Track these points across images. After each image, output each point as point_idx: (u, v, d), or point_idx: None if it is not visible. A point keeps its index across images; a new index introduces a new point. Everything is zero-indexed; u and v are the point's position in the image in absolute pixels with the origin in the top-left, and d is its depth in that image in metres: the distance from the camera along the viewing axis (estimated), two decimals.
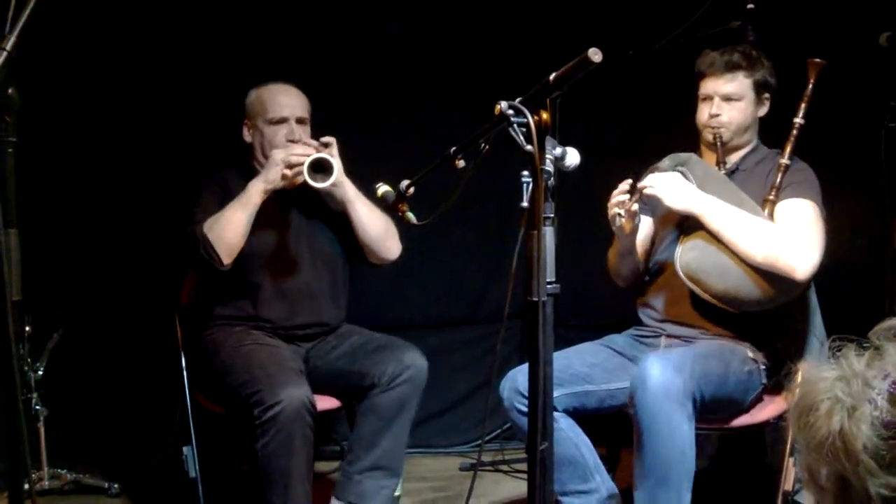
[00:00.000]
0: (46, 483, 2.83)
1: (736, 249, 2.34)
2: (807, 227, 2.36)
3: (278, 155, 2.52)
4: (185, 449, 2.58)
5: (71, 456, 2.97)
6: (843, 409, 0.86)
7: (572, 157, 1.76)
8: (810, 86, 2.46)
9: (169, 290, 2.84)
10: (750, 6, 2.52)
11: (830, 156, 3.12)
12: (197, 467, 2.58)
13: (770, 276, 2.33)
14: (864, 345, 0.90)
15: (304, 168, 2.49)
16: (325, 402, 2.58)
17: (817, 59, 2.45)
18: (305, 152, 2.52)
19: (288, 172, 2.52)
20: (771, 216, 2.41)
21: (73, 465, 2.92)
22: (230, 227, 2.50)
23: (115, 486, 2.92)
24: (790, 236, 2.33)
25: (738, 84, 2.47)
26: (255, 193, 2.52)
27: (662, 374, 2.18)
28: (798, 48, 2.65)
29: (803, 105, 2.44)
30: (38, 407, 2.78)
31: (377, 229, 2.66)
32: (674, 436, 2.18)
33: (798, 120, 2.45)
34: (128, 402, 3.11)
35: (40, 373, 2.80)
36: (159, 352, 2.87)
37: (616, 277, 2.69)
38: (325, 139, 2.60)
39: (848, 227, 3.08)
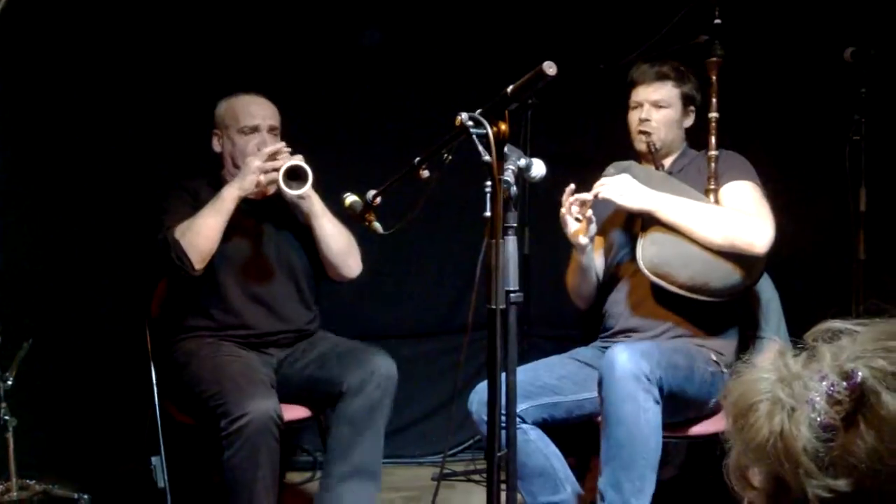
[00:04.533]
0: (15, 494, 2.79)
1: (695, 237, 2.40)
2: (754, 205, 2.44)
3: (254, 162, 2.52)
4: (153, 459, 2.57)
5: (40, 466, 2.93)
6: (783, 411, 0.85)
7: (538, 169, 1.79)
8: (713, 81, 2.54)
9: (139, 300, 2.83)
10: (717, 21, 2.57)
11: (797, 167, 3.18)
12: (166, 477, 2.57)
13: (731, 256, 2.39)
14: (799, 346, 0.90)
15: (280, 174, 2.49)
16: (296, 412, 2.58)
17: (714, 59, 2.54)
18: (281, 159, 2.52)
19: (262, 179, 2.52)
20: (716, 203, 2.48)
21: (42, 476, 2.88)
22: (203, 233, 2.49)
23: (85, 496, 2.88)
24: (742, 215, 2.41)
25: (666, 92, 2.59)
26: (228, 199, 2.51)
27: (630, 358, 2.22)
28: (765, 63, 2.70)
29: (714, 100, 2.54)
30: (7, 417, 2.74)
31: (339, 245, 2.66)
32: (639, 418, 2.20)
33: (713, 114, 2.54)
34: (98, 412, 3.09)
35: (9, 382, 2.77)
36: (129, 362, 2.85)
37: (577, 299, 2.72)
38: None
39: (814, 237, 3.14)
